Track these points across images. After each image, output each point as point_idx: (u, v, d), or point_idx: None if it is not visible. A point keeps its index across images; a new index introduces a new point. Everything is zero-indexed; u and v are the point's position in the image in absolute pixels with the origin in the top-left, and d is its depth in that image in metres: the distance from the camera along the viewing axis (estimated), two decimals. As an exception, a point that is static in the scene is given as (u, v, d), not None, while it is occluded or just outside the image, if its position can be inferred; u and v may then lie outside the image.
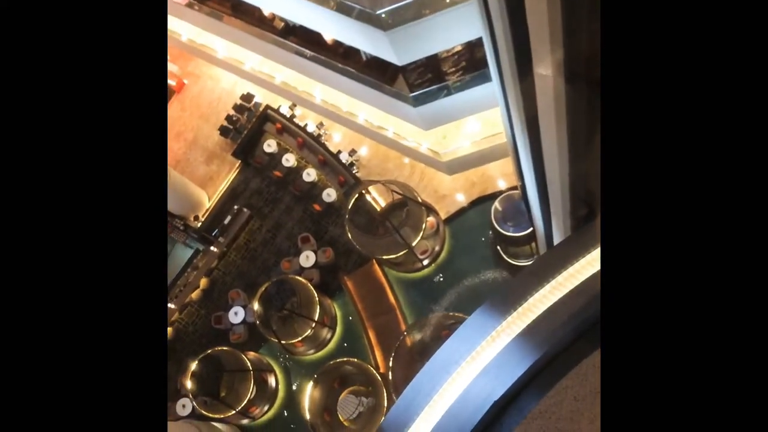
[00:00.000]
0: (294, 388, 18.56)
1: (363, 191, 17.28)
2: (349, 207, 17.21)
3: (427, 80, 12.85)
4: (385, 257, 17.36)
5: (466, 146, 16.54)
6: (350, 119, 18.13)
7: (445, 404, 4.33)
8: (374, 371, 16.53)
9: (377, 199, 18.66)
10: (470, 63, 12.73)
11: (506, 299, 4.63)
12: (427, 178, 19.64)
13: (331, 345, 18.62)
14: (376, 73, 13.73)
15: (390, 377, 16.15)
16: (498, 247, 18.23)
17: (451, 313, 16.50)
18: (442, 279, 18.54)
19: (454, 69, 12.70)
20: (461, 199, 19.11)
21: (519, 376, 4.19)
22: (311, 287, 17.38)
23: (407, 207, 16.89)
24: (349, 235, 17.26)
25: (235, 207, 19.92)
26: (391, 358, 16.25)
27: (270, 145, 20.39)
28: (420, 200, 17.28)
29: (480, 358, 4.43)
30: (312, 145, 20.00)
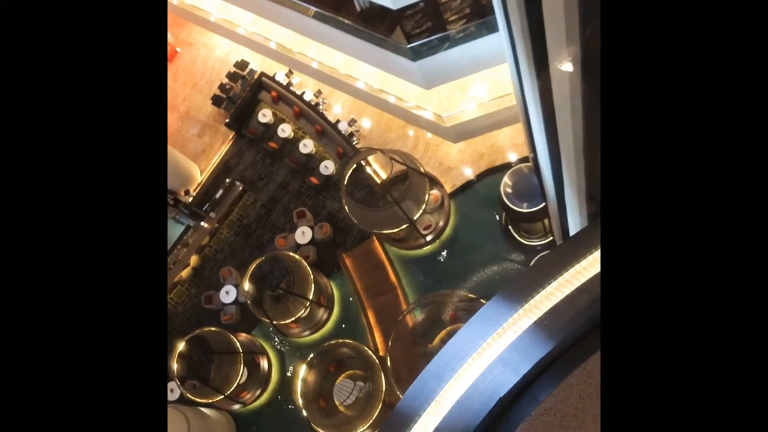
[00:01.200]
0: (289, 372, 17.40)
1: (362, 161, 15.99)
2: (347, 178, 15.94)
3: (426, 30, 11.53)
4: (385, 232, 16.10)
5: (472, 109, 15.18)
6: (349, 83, 16.85)
7: (451, 401, 4.25)
8: (372, 354, 15.32)
9: (378, 171, 17.39)
10: (474, 10, 11.38)
11: (513, 296, 4.53)
12: (432, 149, 18.33)
13: (328, 326, 17.43)
14: (372, 26, 12.43)
15: (388, 360, 14.93)
16: (508, 225, 16.90)
17: (456, 292, 15.21)
18: (446, 257, 17.25)
19: (456, 17, 11.37)
20: (468, 172, 17.78)
21: (524, 373, 4.12)
22: (306, 264, 16.17)
23: (409, 178, 15.60)
24: (346, 208, 16.02)
25: (227, 180, 18.74)
26: (390, 340, 15.02)
27: (265, 115, 19.18)
28: (423, 171, 15.98)
29: (486, 354, 4.34)
30: (309, 115, 18.75)
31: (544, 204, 14.74)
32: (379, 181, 16.14)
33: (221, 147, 19.77)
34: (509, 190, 15.08)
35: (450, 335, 16.21)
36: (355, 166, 16.20)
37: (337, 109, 19.23)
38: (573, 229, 11.11)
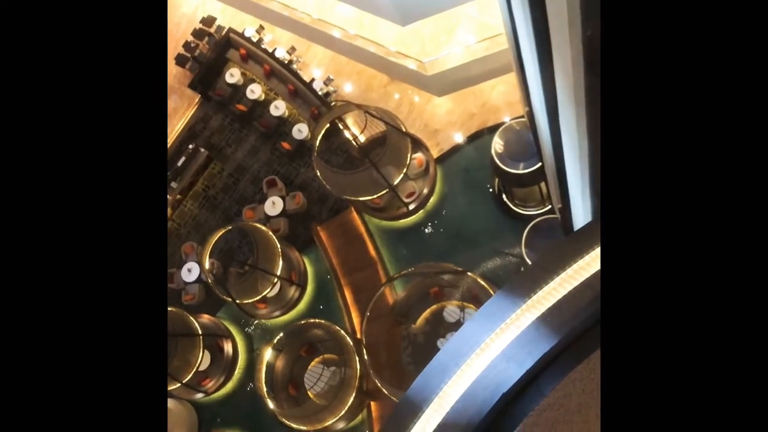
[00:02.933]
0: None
1: (336, 120, 14.13)
2: (319, 138, 14.11)
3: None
4: (362, 199, 14.28)
5: (458, 54, 13.34)
6: (323, 32, 14.99)
7: (454, 396, 4.15)
8: (346, 336, 13.54)
9: (355, 132, 15.53)
10: None
11: (515, 292, 4.40)
12: (417, 110, 16.50)
13: (301, 306, 15.65)
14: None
15: (363, 343, 13.15)
16: (501, 192, 15.09)
17: (440, 264, 13.39)
18: (432, 228, 15.45)
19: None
20: (457, 135, 15.96)
21: (528, 368, 4.04)
22: (273, 236, 14.36)
23: (388, 138, 13.77)
24: (318, 173, 14.21)
25: (191, 147, 16.90)
26: (366, 320, 13.24)
27: (233, 75, 17.34)
28: (404, 130, 14.16)
29: (489, 350, 4.23)
30: (281, 74, 16.91)
31: (540, 164, 12.94)
32: (356, 144, 14.32)
33: (186, 112, 17.93)
34: (501, 150, 13.26)
35: (435, 315, 14.44)
36: (328, 125, 14.36)
37: (314, 68, 17.38)
38: (573, 194, 9.34)
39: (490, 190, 15.27)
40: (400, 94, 16.69)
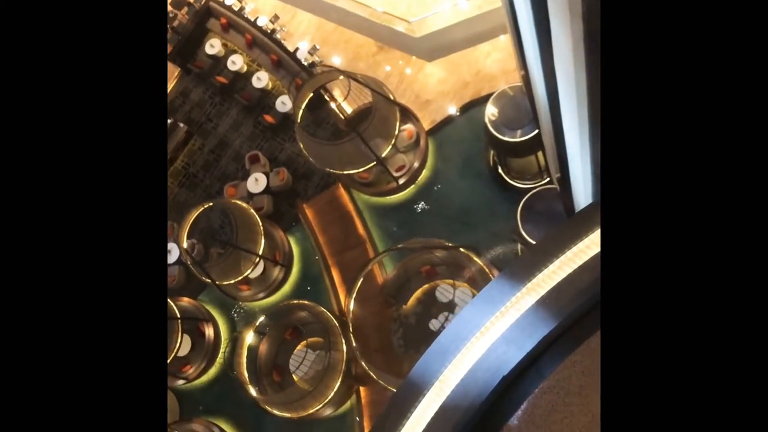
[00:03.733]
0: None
1: (320, 88, 13.23)
2: (302, 108, 13.22)
3: None
4: (348, 172, 13.41)
5: (447, 14, 12.42)
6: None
7: (455, 380, 4.21)
8: (332, 317, 12.73)
9: (341, 103, 14.62)
10: None
11: (515, 275, 4.46)
12: (408, 80, 15.60)
13: (287, 288, 14.83)
14: None
15: (350, 325, 12.34)
16: (497, 165, 14.21)
17: (431, 240, 12.53)
18: (424, 204, 14.59)
19: None
20: (450, 105, 15.07)
21: (528, 351, 4.11)
22: (253, 213, 13.52)
23: (375, 107, 12.87)
24: (301, 145, 13.34)
25: (169, 122, 16.02)
26: (353, 300, 12.41)
27: (213, 46, 16.44)
28: (392, 98, 13.26)
29: (488, 334, 4.29)
30: (264, 43, 16.00)
31: (537, 132, 12.07)
32: (341, 114, 13.43)
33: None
34: (495, 118, 12.37)
35: (427, 294, 13.61)
36: (312, 95, 13.46)
37: (298, 38, 16.47)
38: (573, 162, 8.49)
39: (485, 159, 14.39)
40: (389, 64, 15.80)
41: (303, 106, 13.31)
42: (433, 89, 15.36)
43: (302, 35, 16.49)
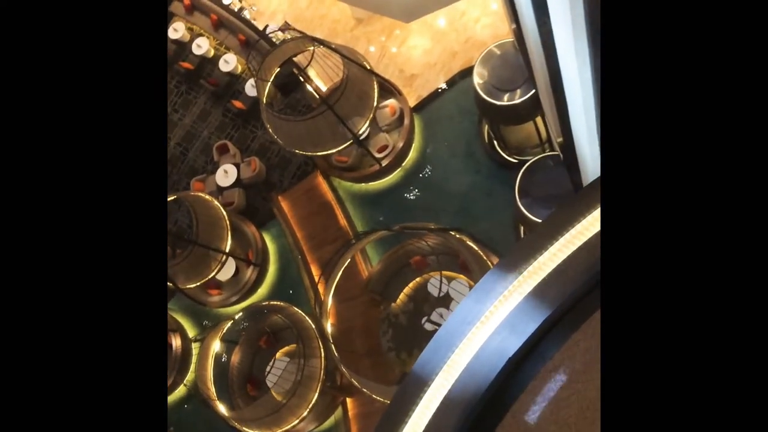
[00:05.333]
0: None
1: (287, 61, 11.63)
2: (269, 82, 11.66)
3: None
4: (320, 153, 11.80)
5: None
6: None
7: (462, 363, 4.26)
8: (308, 319, 11.07)
9: (306, 74, 13.00)
10: None
11: (515, 259, 4.45)
12: (390, 55, 14.04)
13: (263, 291, 13.21)
14: None
15: (329, 328, 10.65)
16: (493, 140, 12.57)
17: (419, 223, 10.80)
18: (412, 189, 12.94)
19: None
20: (438, 78, 13.48)
21: (532, 332, 4.10)
22: (218, 205, 11.94)
23: (347, 76, 11.27)
24: (268, 126, 11.76)
25: (131, 113, 14.52)
26: (330, 297, 10.73)
27: (177, 30, 14.98)
28: (368, 67, 11.67)
29: (493, 318, 4.33)
30: (231, 23, 14.52)
31: (534, 92, 10.44)
32: (309, 86, 11.84)
33: (128, 77, 15.57)
34: (484, 80, 10.73)
35: (419, 290, 11.92)
36: (278, 69, 11.87)
37: (268, 17, 14.99)
38: (576, 123, 6.88)
39: (477, 133, 12.75)
40: (369, 38, 14.27)
41: (270, 82, 11.75)
42: (418, 62, 13.78)
43: (273, 14, 15.02)
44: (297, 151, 11.69)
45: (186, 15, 15.04)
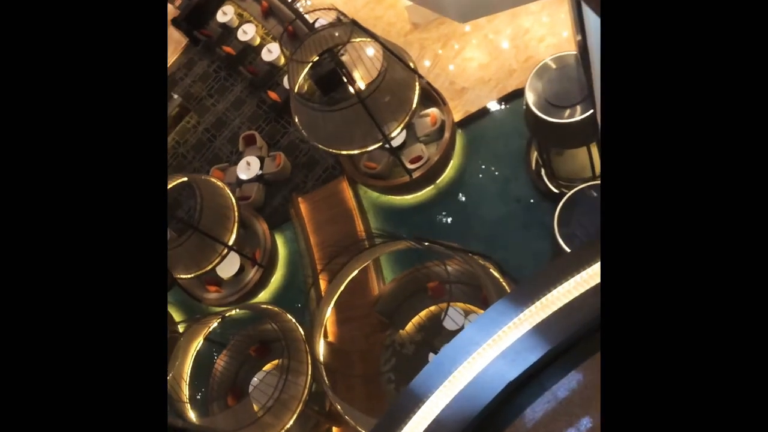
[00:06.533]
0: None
1: (328, 51, 10.68)
2: (303, 72, 10.73)
3: None
4: (346, 152, 10.71)
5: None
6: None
7: (463, 381, 4.25)
8: (301, 332, 9.85)
9: (346, 67, 11.98)
10: None
11: (528, 291, 4.46)
12: (442, 64, 12.99)
13: (265, 296, 12.08)
14: None
15: (320, 348, 9.39)
16: (541, 167, 11.27)
17: (439, 241, 9.49)
18: (443, 209, 11.69)
19: None
20: (490, 95, 12.32)
21: (535, 361, 4.10)
22: (229, 195, 10.96)
23: (386, 70, 10.21)
24: (295, 118, 10.77)
25: (164, 92, 13.85)
26: (330, 306, 9.48)
27: (225, 13, 14.35)
28: (412, 67, 10.61)
29: (501, 342, 4.30)
30: (281, 13, 13.78)
31: (591, 112, 9.18)
32: (344, 77, 10.85)
33: (170, 57, 15.00)
34: (538, 94, 9.52)
35: (432, 320, 10.55)
36: (316, 59, 10.93)
37: (323, 12, 14.18)
38: None
39: (526, 164, 11.45)
40: (423, 44, 13.28)
41: (306, 64, 10.81)
42: (471, 76, 12.66)
43: (329, 3, 14.20)
44: (321, 146, 10.62)
45: (239, 0, 14.41)
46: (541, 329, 4.27)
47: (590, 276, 4.32)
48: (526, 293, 4.44)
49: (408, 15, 13.49)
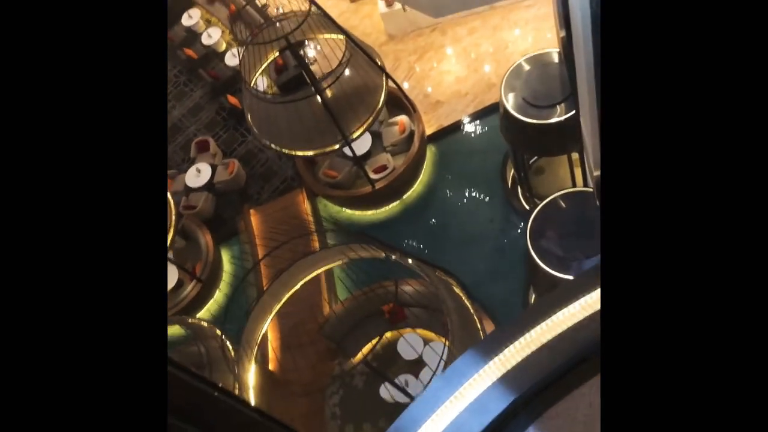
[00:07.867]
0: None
1: (290, 45, 9.66)
2: (262, 66, 9.72)
3: None
4: (301, 153, 9.57)
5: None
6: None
7: (464, 402, 3.97)
8: (230, 352, 8.48)
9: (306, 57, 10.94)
10: None
11: (529, 317, 4.19)
12: (417, 76, 12.05)
13: (203, 314, 10.69)
14: None
15: (252, 370, 8.01)
16: (517, 186, 10.18)
17: (396, 251, 8.23)
18: (408, 227, 10.49)
19: None
20: (466, 110, 11.34)
21: (537, 380, 4.01)
22: (167, 199, 9.75)
23: (355, 69, 9.18)
24: (248, 115, 9.69)
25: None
26: (267, 324, 8.15)
27: (191, 16, 13.47)
28: (379, 63, 9.61)
29: (506, 362, 4.09)
30: (249, 16, 12.89)
31: (573, 113, 8.16)
32: (304, 72, 9.81)
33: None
34: (515, 93, 8.51)
35: (387, 348, 9.20)
36: (278, 53, 9.95)
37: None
38: None
39: (502, 181, 10.35)
40: (399, 56, 12.38)
41: (264, 65, 9.82)
42: (447, 89, 11.70)
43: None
44: (274, 145, 9.49)
45: (207, 3, 13.57)
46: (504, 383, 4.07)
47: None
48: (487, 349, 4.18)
49: (384, 26, 12.64)
